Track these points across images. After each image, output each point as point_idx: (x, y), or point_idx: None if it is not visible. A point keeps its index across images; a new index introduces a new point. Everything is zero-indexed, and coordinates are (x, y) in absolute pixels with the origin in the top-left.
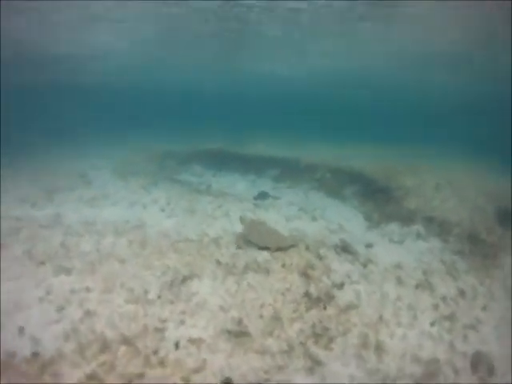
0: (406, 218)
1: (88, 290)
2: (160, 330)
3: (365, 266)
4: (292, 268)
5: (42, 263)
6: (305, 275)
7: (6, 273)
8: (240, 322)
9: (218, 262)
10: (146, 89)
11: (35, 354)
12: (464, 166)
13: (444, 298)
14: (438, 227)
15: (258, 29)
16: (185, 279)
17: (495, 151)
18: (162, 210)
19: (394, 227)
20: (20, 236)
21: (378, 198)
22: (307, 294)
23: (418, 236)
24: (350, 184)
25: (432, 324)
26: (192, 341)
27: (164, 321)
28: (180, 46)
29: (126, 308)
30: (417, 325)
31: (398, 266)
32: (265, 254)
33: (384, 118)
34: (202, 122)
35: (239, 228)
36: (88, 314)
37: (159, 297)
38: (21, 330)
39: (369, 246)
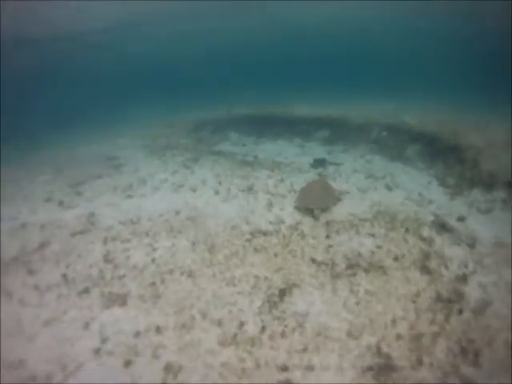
0: (487, 184)
1: (158, 330)
2: None
3: (472, 247)
4: (407, 261)
5: (86, 291)
6: (425, 270)
7: (40, 314)
8: (379, 351)
9: (314, 261)
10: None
11: None
12: None
13: None
14: None
15: None
16: (283, 293)
17: None
18: (216, 193)
19: (477, 194)
20: (50, 252)
21: (448, 159)
22: (439, 298)
23: (505, 204)
24: (412, 143)
25: None
26: None
27: (285, 369)
28: None
29: (223, 356)
30: None
31: (502, 245)
32: (368, 244)
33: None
34: (229, 86)
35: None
36: (171, 370)
37: (263, 328)
38: None
39: (460, 219)
